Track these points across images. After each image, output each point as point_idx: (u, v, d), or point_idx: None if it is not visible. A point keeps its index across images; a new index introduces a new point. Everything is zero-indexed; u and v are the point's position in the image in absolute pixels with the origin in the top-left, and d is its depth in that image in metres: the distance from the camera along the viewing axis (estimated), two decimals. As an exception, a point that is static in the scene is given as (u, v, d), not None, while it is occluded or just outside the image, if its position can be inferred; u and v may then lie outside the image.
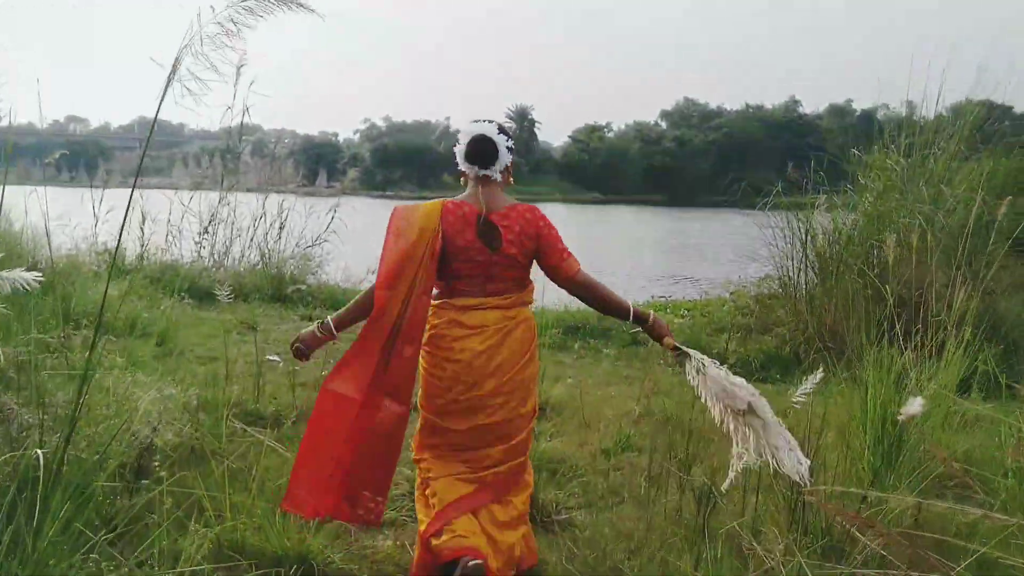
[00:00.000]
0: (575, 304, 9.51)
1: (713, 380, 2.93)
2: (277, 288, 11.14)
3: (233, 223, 12.91)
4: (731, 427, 2.88)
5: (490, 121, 3.28)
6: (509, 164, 3.29)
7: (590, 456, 4.81)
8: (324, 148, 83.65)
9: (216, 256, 12.74)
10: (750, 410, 2.82)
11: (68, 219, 11.30)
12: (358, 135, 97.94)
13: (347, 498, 3.12)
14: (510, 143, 3.27)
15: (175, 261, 11.96)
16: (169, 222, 12.55)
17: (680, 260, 27.36)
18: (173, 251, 12.49)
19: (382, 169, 79.04)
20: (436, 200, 3.29)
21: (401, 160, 78.44)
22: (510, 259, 3.18)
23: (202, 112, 15.27)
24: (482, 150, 3.23)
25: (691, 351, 3.10)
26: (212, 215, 12.40)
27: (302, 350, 3.28)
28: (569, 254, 3.25)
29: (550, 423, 5.47)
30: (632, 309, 3.26)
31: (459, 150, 3.28)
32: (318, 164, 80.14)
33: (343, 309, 3.29)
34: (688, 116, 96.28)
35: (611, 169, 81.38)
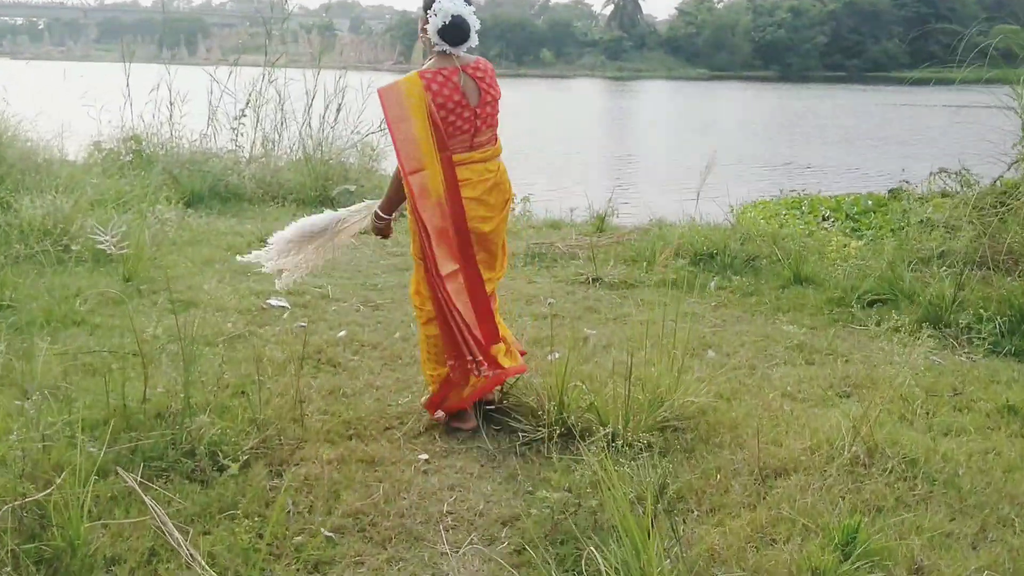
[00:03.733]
0: (709, 216, 7.02)
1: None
2: (322, 188, 8.87)
3: (283, 105, 10.59)
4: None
5: None
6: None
7: (785, 572, 2.44)
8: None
9: (267, 144, 10.49)
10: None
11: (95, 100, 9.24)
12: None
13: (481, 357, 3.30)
14: (478, 22, 3.38)
15: (206, 151, 9.71)
16: (211, 104, 10.25)
17: (805, 144, 23.99)
18: (211, 139, 10.20)
19: (478, 45, 75.40)
20: (410, 74, 3.29)
21: (497, 35, 74.53)
22: (490, 106, 3.36)
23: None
24: (460, 31, 3.27)
25: None
26: (250, 95, 10.07)
27: (383, 234, 3.60)
28: None
29: (692, 467, 3.10)
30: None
31: (434, 24, 3.26)
32: (414, 40, 77.31)
33: (385, 196, 3.53)
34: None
35: (719, 44, 76.32)
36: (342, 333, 4.51)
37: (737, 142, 23.94)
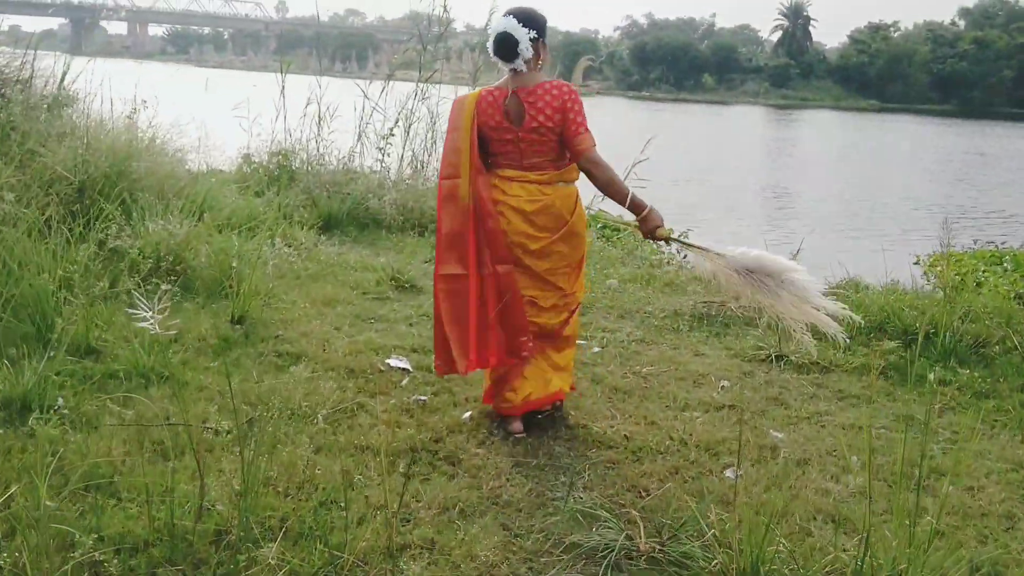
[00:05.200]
0: (891, 265, 5.90)
1: (725, 260, 3.36)
2: (465, 218, 8.14)
3: (434, 124, 9.98)
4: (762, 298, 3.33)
5: (516, 15, 3.38)
6: (532, 55, 3.40)
7: None
8: (582, 45, 79.66)
9: (417, 166, 9.89)
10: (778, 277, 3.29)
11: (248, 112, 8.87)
12: (618, 32, 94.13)
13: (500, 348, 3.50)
14: (533, 34, 3.37)
15: (350, 171, 9.13)
16: (362, 120, 9.71)
17: (993, 188, 21.78)
18: (359, 158, 9.63)
19: (639, 68, 74.37)
20: (479, 89, 3.55)
21: (659, 59, 73.34)
22: (536, 133, 3.37)
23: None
24: (504, 47, 3.39)
25: (689, 241, 3.63)
26: (399, 112, 9.49)
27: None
28: (586, 130, 3.38)
29: None
30: (630, 195, 3.42)
31: (488, 44, 3.46)
32: (575, 62, 76.73)
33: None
34: (992, 15, 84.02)
35: (893, 74, 72.59)
36: (467, 415, 3.67)
37: (916, 182, 22.04)
